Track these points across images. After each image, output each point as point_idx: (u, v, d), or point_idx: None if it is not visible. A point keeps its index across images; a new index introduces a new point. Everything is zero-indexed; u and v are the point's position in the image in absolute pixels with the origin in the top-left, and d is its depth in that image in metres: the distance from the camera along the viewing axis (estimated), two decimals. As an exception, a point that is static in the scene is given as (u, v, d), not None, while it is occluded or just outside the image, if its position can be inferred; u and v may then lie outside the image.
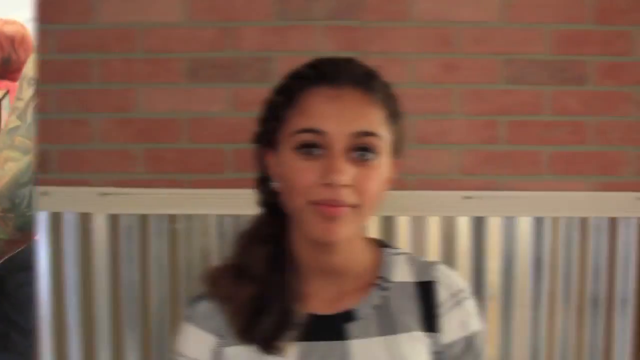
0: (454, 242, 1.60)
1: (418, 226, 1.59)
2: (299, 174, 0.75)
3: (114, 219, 1.59)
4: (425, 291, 0.83)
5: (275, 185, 0.83)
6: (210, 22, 1.59)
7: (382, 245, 0.90)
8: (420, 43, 1.59)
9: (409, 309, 0.81)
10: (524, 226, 1.60)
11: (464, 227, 1.60)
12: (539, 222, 1.60)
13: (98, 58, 1.59)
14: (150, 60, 1.59)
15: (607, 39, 1.60)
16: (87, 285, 1.60)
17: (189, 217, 1.59)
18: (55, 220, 1.59)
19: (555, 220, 1.60)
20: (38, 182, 1.55)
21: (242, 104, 1.60)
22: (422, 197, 1.58)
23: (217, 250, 1.59)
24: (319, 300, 0.82)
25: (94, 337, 1.60)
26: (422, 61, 1.59)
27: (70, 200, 1.59)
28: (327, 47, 1.59)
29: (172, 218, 1.59)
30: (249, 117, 1.58)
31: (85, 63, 1.59)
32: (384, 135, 0.79)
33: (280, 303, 0.80)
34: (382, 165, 0.79)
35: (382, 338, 0.79)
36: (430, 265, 0.87)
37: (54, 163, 1.60)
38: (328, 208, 0.72)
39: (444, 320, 0.83)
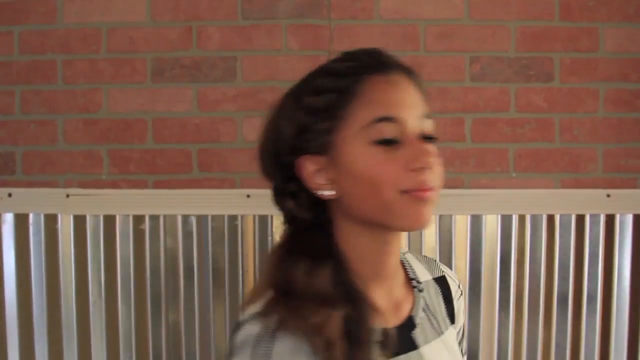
0: (421, 240, 1.60)
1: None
2: (384, 166, 0.70)
3: (79, 220, 1.59)
4: (442, 286, 0.85)
5: (326, 193, 0.74)
6: (174, 22, 1.59)
7: None
8: (385, 41, 1.58)
9: (438, 305, 0.83)
10: (491, 224, 1.60)
11: (431, 225, 1.59)
12: (506, 220, 1.60)
13: (62, 59, 1.59)
14: (115, 60, 1.59)
15: (573, 35, 1.59)
16: (53, 286, 1.60)
17: (154, 218, 1.59)
18: (21, 222, 1.59)
19: (522, 218, 1.60)
20: (2, 183, 1.55)
21: (207, 103, 1.59)
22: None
23: (182, 251, 1.59)
24: (382, 311, 0.74)
25: (60, 337, 1.60)
26: (387, 59, 1.58)
27: (35, 201, 1.59)
28: (291, 46, 1.58)
29: (138, 218, 1.59)
30: (214, 117, 1.60)
31: (49, 64, 1.59)
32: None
33: (367, 324, 0.70)
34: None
35: (439, 340, 0.79)
36: (431, 259, 0.90)
37: (19, 164, 1.60)
38: (422, 192, 0.69)
39: (457, 310, 0.86)
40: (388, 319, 0.74)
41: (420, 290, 0.81)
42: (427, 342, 0.77)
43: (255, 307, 0.70)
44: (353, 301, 0.70)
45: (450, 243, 1.60)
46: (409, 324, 0.76)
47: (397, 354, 0.72)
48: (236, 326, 0.70)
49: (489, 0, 1.58)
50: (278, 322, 0.68)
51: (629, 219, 1.60)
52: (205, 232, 1.59)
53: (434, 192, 0.70)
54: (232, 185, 1.59)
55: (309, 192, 0.75)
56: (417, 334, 0.77)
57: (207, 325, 1.60)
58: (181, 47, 1.59)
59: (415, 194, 0.69)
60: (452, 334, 0.83)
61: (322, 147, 0.74)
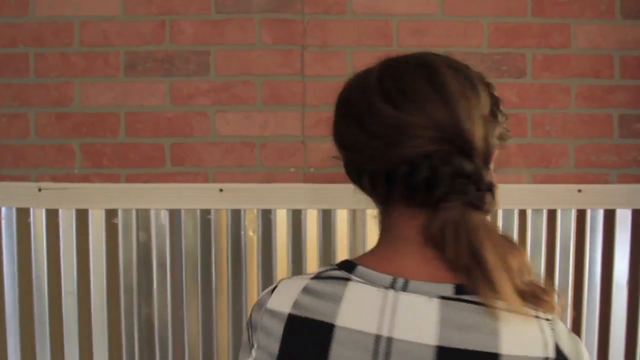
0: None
1: (358, 220, 1.60)
2: None
3: (52, 214, 1.59)
4: None
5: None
6: (147, 16, 1.58)
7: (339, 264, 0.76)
8: (359, 36, 1.58)
9: None
10: (463, 219, 1.60)
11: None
12: (478, 214, 1.61)
13: (34, 52, 1.58)
14: (87, 54, 1.58)
15: (546, 31, 1.60)
16: (25, 280, 1.59)
17: (127, 212, 1.59)
18: (-7, 215, 1.59)
19: (494, 212, 1.61)
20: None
21: (180, 97, 1.59)
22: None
23: (155, 244, 1.59)
24: None
25: (33, 332, 1.59)
26: (360, 54, 1.59)
27: (7, 195, 1.58)
28: (265, 40, 1.58)
29: (110, 212, 1.59)
30: (187, 111, 1.60)
31: (21, 57, 1.58)
32: None
33: None
34: None
35: None
36: None
37: (-10, 158, 1.59)
38: None
39: None
40: None
41: None
42: None
43: None
44: None
45: (422, 238, 1.60)
46: None
47: None
48: None
49: (462, -5, 1.59)
50: None
51: (600, 214, 1.62)
52: (178, 226, 1.59)
53: None
54: (205, 180, 1.59)
55: None
56: None
57: (180, 319, 1.60)
58: (154, 41, 1.58)
59: None
60: None
61: None
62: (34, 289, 1.59)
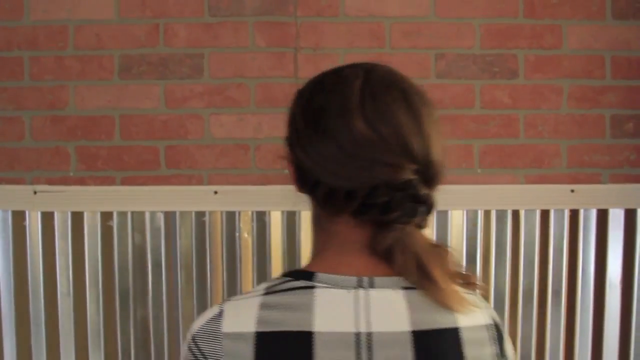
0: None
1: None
2: None
3: (47, 217, 1.59)
4: None
5: None
6: (141, 19, 1.59)
7: (290, 273, 0.76)
8: (351, 38, 1.60)
9: None
10: (457, 219, 1.61)
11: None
12: (471, 215, 1.62)
13: (29, 55, 1.59)
14: (82, 57, 1.59)
15: (538, 32, 1.61)
16: (21, 283, 1.60)
17: (122, 214, 1.59)
18: (-12, 219, 1.59)
19: (487, 213, 1.62)
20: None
21: (174, 100, 1.60)
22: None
23: (150, 247, 1.60)
24: None
25: (29, 334, 1.60)
26: (353, 56, 1.59)
27: (3, 198, 1.59)
28: (258, 43, 1.59)
29: (106, 215, 1.59)
30: (181, 114, 1.61)
31: (16, 60, 1.59)
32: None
33: None
34: None
35: None
36: None
37: (-15, 161, 1.60)
38: None
39: None
40: None
41: None
42: None
43: None
44: None
45: (416, 238, 1.61)
46: None
47: None
48: None
49: (454, -3, 1.60)
50: None
51: (593, 214, 1.63)
52: (173, 229, 1.60)
53: None
54: (200, 182, 1.60)
55: None
56: None
57: (175, 321, 1.61)
58: (148, 44, 1.59)
59: None
60: None
61: None
62: (30, 291, 1.60)
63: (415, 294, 0.68)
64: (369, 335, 0.66)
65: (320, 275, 0.69)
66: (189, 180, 1.60)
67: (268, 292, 0.69)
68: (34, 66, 1.59)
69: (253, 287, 1.59)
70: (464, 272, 0.73)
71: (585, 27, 1.61)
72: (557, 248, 1.63)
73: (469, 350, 0.69)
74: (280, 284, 0.69)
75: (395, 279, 0.69)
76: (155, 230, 1.60)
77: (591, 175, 1.63)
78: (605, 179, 1.63)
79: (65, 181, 1.60)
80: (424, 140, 0.68)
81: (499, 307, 1.62)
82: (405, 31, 1.60)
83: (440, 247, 0.72)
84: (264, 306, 0.67)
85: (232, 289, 1.60)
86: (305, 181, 0.72)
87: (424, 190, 0.68)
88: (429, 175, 0.69)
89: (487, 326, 0.72)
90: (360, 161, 0.67)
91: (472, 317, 0.71)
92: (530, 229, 1.62)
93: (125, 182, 1.59)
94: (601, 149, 1.63)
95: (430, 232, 1.61)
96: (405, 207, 0.67)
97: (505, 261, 1.62)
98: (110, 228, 1.60)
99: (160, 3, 1.59)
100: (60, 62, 1.59)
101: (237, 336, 0.66)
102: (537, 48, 1.61)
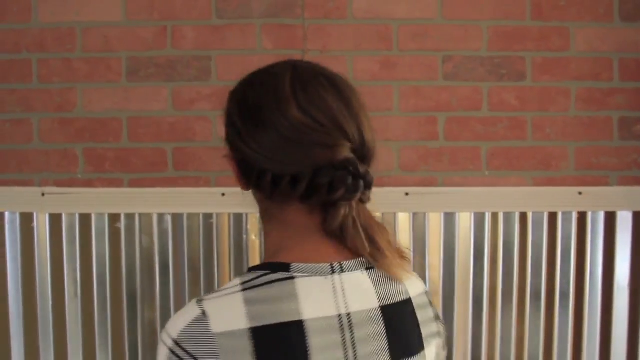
0: (394, 239, 1.61)
1: (359, 223, 1.60)
2: None
3: (55, 219, 1.60)
4: None
5: None
6: (149, 22, 1.59)
7: (259, 266, 0.75)
8: (359, 40, 1.60)
9: None
10: (464, 222, 1.61)
11: (404, 223, 1.61)
12: (479, 217, 1.61)
13: (37, 58, 1.59)
14: (90, 59, 1.60)
15: (545, 34, 1.61)
16: (29, 285, 1.60)
17: (129, 216, 1.60)
18: (-3, 220, 1.60)
19: (495, 215, 1.62)
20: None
21: (181, 102, 1.60)
22: (362, 194, 1.59)
23: (158, 249, 1.60)
24: None
25: (37, 336, 1.60)
26: (361, 58, 1.60)
27: (11, 200, 1.59)
28: (265, 45, 1.59)
29: (113, 217, 1.60)
30: (189, 116, 1.61)
31: (24, 63, 1.60)
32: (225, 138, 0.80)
33: None
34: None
35: None
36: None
37: (-6, 163, 1.60)
38: None
39: None
40: None
41: None
42: None
43: None
44: None
45: (423, 241, 1.61)
46: None
47: None
48: None
49: (461, 0, 1.60)
50: None
51: (601, 216, 1.62)
52: (180, 231, 1.60)
53: None
54: (207, 184, 1.60)
55: None
56: None
57: (182, 323, 1.61)
58: (156, 46, 1.60)
59: None
60: None
61: None
62: (38, 293, 1.60)
63: (374, 272, 0.76)
64: (349, 315, 0.72)
65: (296, 266, 0.72)
66: (196, 183, 1.60)
67: (246, 287, 0.70)
68: (42, 68, 1.60)
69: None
70: (402, 249, 0.81)
71: (592, 29, 1.61)
72: (565, 250, 1.62)
73: (420, 315, 0.79)
74: (256, 278, 0.71)
75: (358, 260, 0.75)
76: (163, 232, 1.60)
77: (599, 178, 1.62)
78: (613, 181, 1.62)
79: (73, 183, 1.60)
80: (355, 121, 0.74)
81: (506, 310, 1.62)
82: (412, 33, 1.60)
83: (380, 223, 0.79)
84: (248, 302, 0.68)
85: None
86: (250, 174, 0.75)
87: (362, 168, 0.73)
88: (364, 153, 0.74)
89: (425, 293, 0.83)
90: (301, 146, 0.71)
91: (415, 285, 0.81)
92: (537, 232, 1.62)
93: (133, 184, 1.60)
94: (609, 151, 1.62)
95: (437, 234, 1.61)
96: (347, 184, 0.71)
97: (513, 264, 1.62)
98: (118, 230, 1.60)
99: (167, 5, 1.59)
100: (68, 64, 1.60)
101: (232, 334, 0.66)
102: (545, 50, 1.61)
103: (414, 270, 1.60)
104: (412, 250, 1.61)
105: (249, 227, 1.61)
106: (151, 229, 1.60)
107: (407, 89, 1.60)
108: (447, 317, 1.62)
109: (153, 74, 1.60)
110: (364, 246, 0.74)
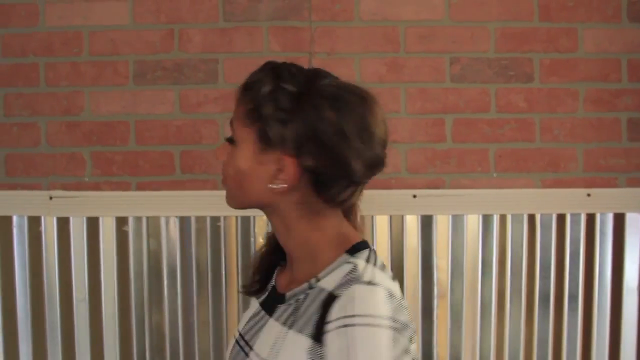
0: (402, 241, 1.61)
1: (366, 225, 1.60)
2: None
3: (62, 222, 1.60)
4: (328, 304, 0.84)
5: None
6: (156, 25, 1.59)
7: (353, 249, 0.88)
8: (366, 42, 1.59)
9: (311, 313, 0.83)
10: (472, 224, 1.61)
11: (412, 225, 1.61)
12: (487, 219, 1.61)
13: (45, 62, 1.60)
14: (97, 63, 1.60)
15: (553, 36, 1.60)
16: (37, 288, 1.60)
17: (137, 219, 1.60)
18: (5, 224, 1.60)
19: (503, 217, 1.61)
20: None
21: (188, 105, 1.60)
22: (370, 197, 1.57)
23: (165, 252, 1.60)
24: (283, 279, 0.93)
25: (45, 339, 1.60)
26: (368, 60, 1.59)
27: (19, 203, 1.59)
28: (272, 48, 1.59)
29: (121, 220, 1.60)
30: (196, 119, 1.61)
31: (31, 67, 1.60)
32: (240, 128, 0.85)
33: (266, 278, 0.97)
34: (238, 154, 0.85)
35: (281, 327, 0.85)
36: (352, 282, 0.85)
37: (1, 167, 1.60)
38: None
39: (327, 337, 0.81)
40: (280, 285, 0.92)
41: (310, 287, 0.86)
42: (278, 320, 0.87)
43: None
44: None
45: (431, 243, 1.61)
46: (281, 298, 0.89)
47: (262, 306, 0.93)
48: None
49: (468, 1, 1.59)
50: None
51: (610, 217, 1.62)
52: (188, 234, 1.60)
53: (224, 183, 0.89)
54: (215, 187, 1.60)
55: None
56: (280, 309, 0.88)
57: (190, 326, 1.61)
58: (163, 49, 1.60)
59: None
60: (297, 340, 0.83)
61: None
62: (46, 296, 1.60)
63: None
64: None
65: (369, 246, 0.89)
66: (203, 185, 1.60)
67: (379, 267, 0.85)
68: (49, 72, 1.60)
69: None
70: None
71: (601, 30, 1.60)
72: (574, 252, 1.62)
73: None
74: (376, 258, 0.87)
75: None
76: (170, 235, 1.60)
77: (608, 179, 1.62)
78: (621, 182, 1.62)
79: (80, 186, 1.60)
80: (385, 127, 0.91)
81: (515, 312, 1.61)
82: (419, 35, 1.59)
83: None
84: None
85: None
86: (328, 181, 0.83)
87: None
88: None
89: None
90: (379, 168, 0.88)
91: None
92: (546, 234, 1.61)
93: (140, 187, 1.60)
94: (618, 152, 1.61)
95: (445, 236, 1.61)
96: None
97: (521, 266, 1.61)
98: (126, 233, 1.60)
99: (174, 8, 1.59)
100: (75, 67, 1.60)
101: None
102: (553, 51, 1.60)
103: (424, 274, 1.62)
104: (419, 252, 1.61)
105: (256, 230, 1.60)
106: (159, 232, 1.60)
107: (414, 91, 1.60)
108: (455, 319, 1.61)
109: (160, 77, 1.60)
110: (361, 224, 0.93)
